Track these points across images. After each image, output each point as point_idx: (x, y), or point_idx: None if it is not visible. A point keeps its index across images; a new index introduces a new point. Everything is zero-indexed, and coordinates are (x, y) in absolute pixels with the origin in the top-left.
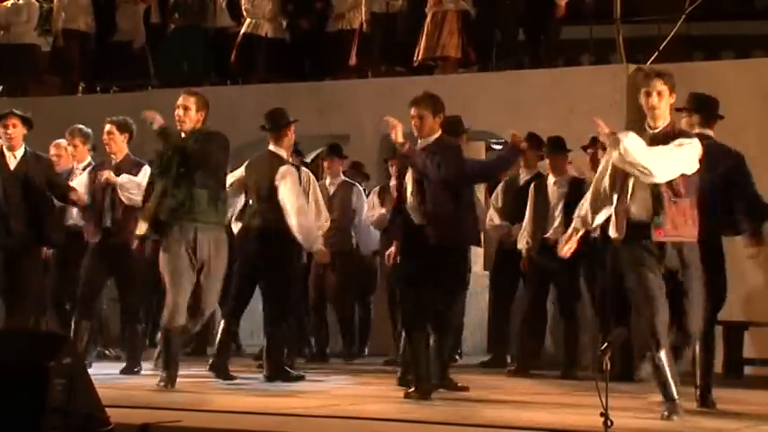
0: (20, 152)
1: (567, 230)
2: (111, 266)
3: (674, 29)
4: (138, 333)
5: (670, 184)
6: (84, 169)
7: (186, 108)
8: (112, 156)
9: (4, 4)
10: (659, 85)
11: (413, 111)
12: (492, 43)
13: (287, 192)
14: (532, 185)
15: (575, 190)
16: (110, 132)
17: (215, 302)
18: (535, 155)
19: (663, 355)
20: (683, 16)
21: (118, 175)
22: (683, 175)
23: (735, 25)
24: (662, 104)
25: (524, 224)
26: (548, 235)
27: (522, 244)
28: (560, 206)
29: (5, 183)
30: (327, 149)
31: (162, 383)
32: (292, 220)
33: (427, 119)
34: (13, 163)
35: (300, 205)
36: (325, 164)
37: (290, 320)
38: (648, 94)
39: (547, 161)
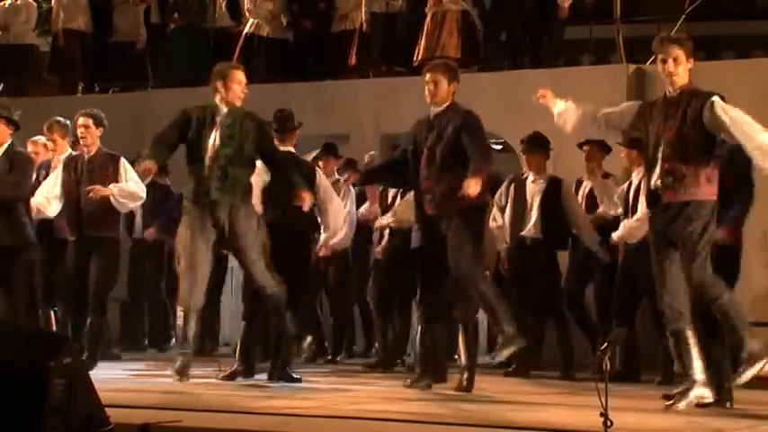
0: (0, 150)
1: (541, 230)
2: (90, 259)
3: (674, 29)
4: (103, 329)
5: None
6: None
7: (243, 84)
8: (85, 149)
9: (2, 4)
10: (675, 51)
11: (428, 76)
12: (492, 43)
13: (329, 190)
14: (512, 184)
15: (552, 189)
16: (86, 125)
17: (265, 279)
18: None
19: (686, 328)
20: (683, 16)
21: (92, 168)
22: (703, 134)
23: (735, 25)
24: (679, 70)
25: (504, 223)
26: (522, 233)
27: (501, 244)
28: (536, 205)
29: None
30: (323, 149)
31: (175, 375)
32: (334, 215)
33: (442, 84)
34: None
35: (340, 202)
36: (321, 163)
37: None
38: (664, 61)
39: (524, 158)
